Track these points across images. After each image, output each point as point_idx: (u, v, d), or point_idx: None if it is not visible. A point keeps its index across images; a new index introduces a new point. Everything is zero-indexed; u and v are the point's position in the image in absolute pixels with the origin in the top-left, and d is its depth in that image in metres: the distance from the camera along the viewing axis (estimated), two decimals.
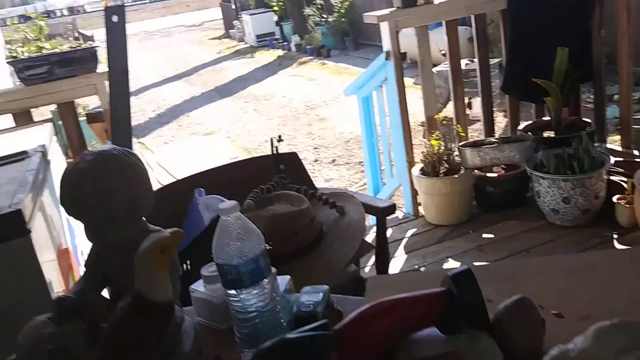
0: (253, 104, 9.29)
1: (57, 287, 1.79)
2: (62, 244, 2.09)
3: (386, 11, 3.23)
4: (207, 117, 8.94)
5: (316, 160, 6.30)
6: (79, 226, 2.64)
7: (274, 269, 1.02)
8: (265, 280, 0.97)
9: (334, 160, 6.19)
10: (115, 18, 1.61)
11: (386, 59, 3.22)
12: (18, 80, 2.70)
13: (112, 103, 1.73)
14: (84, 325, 0.96)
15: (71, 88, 2.70)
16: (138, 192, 0.99)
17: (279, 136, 1.99)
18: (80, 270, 2.30)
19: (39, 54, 2.73)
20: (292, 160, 2.02)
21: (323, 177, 5.72)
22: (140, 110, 9.29)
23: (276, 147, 1.97)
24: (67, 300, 1.00)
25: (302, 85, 9.96)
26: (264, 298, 0.97)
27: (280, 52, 12.89)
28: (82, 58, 2.66)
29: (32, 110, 2.83)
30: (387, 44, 3.21)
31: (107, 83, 2.71)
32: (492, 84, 3.66)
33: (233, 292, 0.97)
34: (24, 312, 1.59)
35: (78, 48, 2.66)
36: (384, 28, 3.19)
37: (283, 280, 1.12)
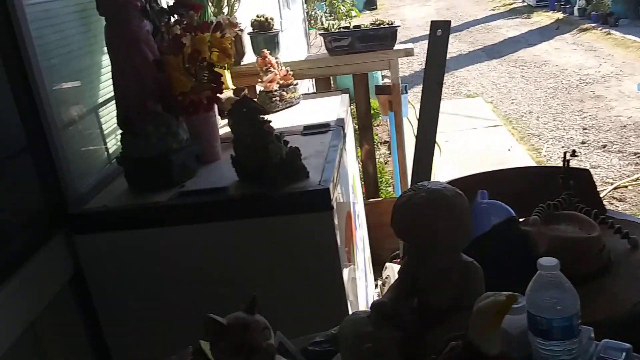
0: (521, 70, 8.91)
1: (343, 255, 2.00)
2: (347, 212, 2.33)
3: None
4: (472, 78, 8.82)
5: (583, 142, 5.90)
6: (358, 195, 2.89)
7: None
8: (575, 339, 1.01)
9: (604, 146, 5.72)
10: (439, 32, 1.70)
11: None
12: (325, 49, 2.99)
13: (422, 108, 1.85)
14: (398, 333, 1.10)
15: (368, 61, 2.92)
16: (460, 231, 1.09)
17: (573, 150, 1.93)
18: (357, 234, 2.56)
19: (346, 27, 2.98)
20: (584, 178, 1.96)
21: (589, 163, 5.36)
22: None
23: (568, 162, 1.92)
24: (384, 307, 1.15)
25: (579, 56, 9.22)
26: (572, 354, 1.01)
27: (559, 15, 12.01)
28: (382, 35, 2.85)
29: None
30: None
31: (399, 61, 2.91)
32: None
33: (541, 340, 1.02)
34: (320, 281, 1.83)
35: (381, 27, 2.84)
36: None
37: (586, 331, 1.13)
